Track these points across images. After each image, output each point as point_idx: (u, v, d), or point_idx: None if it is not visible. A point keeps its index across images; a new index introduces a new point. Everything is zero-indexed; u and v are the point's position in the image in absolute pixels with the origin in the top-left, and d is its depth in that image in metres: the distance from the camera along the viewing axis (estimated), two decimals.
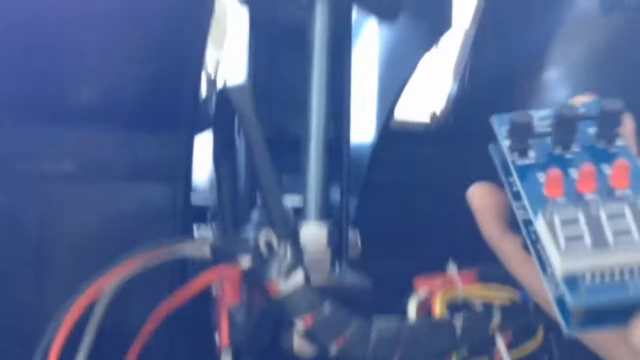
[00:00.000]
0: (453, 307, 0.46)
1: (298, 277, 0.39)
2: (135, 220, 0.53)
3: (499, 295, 0.47)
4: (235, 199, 0.47)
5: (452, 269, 0.52)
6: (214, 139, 0.47)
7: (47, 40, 0.50)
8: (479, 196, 0.30)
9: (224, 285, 0.42)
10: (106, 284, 0.39)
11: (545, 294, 0.25)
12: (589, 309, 0.23)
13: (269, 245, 0.40)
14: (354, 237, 0.51)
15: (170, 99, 0.51)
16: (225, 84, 0.43)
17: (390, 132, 0.56)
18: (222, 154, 0.46)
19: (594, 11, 0.52)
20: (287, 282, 0.39)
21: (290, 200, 0.48)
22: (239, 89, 0.41)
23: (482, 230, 0.30)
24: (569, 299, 0.23)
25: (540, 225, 0.25)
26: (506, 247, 0.30)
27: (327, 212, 0.49)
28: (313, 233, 0.43)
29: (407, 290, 0.51)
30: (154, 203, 0.53)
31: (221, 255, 0.41)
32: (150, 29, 0.50)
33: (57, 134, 0.53)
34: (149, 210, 0.53)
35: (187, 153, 0.52)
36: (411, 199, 0.59)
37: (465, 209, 0.51)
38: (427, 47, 0.47)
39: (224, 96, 0.42)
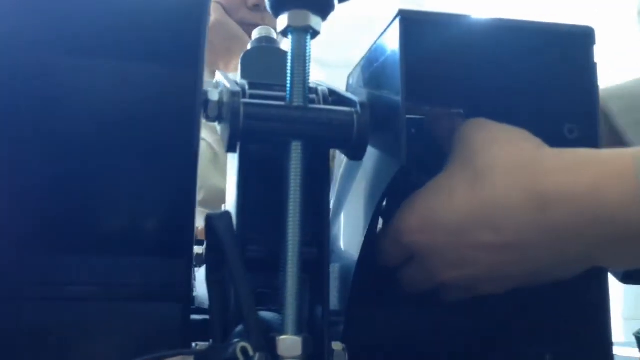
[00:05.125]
0: None
1: None
2: (146, 335, 0.59)
3: None
4: (225, 314, 0.52)
5: None
6: (206, 260, 0.53)
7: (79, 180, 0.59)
8: None
9: None
10: None
11: None
12: None
13: (245, 354, 0.45)
14: (340, 349, 0.56)
15: (177, 230, 0.58)
16: (210, 213, 0.49)
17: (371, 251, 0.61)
18: (213, 273, 0.52)
19: None
20: None
21: None
22: (219, 216, 0.48)
23: None
24: None
25: None
26: None
27: (305, 326, 0.54)
28: (288, 343, 0.48)
29: None
30: (161, 320, 0.59)
31: None
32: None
33: (83, 261, 0.60)
34: (157, 326, 0.59)
35: (188, 276, 0.58)
36: (397, 312, 0.63)
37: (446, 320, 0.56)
38: (387, 180, 0.53)
39: (209, 223, 0.49)
